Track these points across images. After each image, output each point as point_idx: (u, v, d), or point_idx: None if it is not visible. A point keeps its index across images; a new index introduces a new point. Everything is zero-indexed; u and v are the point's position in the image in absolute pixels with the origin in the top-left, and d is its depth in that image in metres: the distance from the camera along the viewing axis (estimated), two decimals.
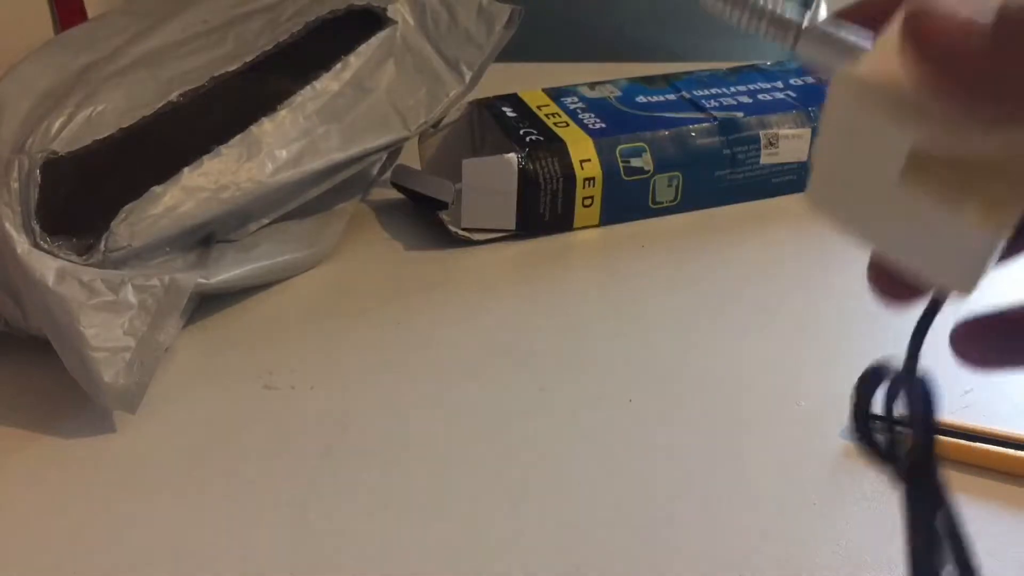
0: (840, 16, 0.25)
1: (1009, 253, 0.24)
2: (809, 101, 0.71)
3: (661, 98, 0.71)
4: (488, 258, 0.64)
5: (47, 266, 0.48)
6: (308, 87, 0.60)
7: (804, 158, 0.70)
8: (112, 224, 0.51)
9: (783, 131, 0.69)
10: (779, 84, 0.73)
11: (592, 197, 0.66)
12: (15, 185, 0.50)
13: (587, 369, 0.52)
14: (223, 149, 0.56)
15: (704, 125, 0.68)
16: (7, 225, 0.49)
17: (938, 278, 0.23)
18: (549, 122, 0.67)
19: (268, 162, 0.57)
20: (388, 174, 0.69)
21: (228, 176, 0.56)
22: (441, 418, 0.49)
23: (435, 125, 0.68)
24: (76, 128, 0.52)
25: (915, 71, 0.22)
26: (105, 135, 0.53)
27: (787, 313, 0.57)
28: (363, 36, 0.64)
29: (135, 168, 0.56)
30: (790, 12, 0.26)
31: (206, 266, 0.55)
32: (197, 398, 0.51)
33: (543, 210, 0.65)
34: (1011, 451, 0.45)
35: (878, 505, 0.42)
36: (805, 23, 0.25)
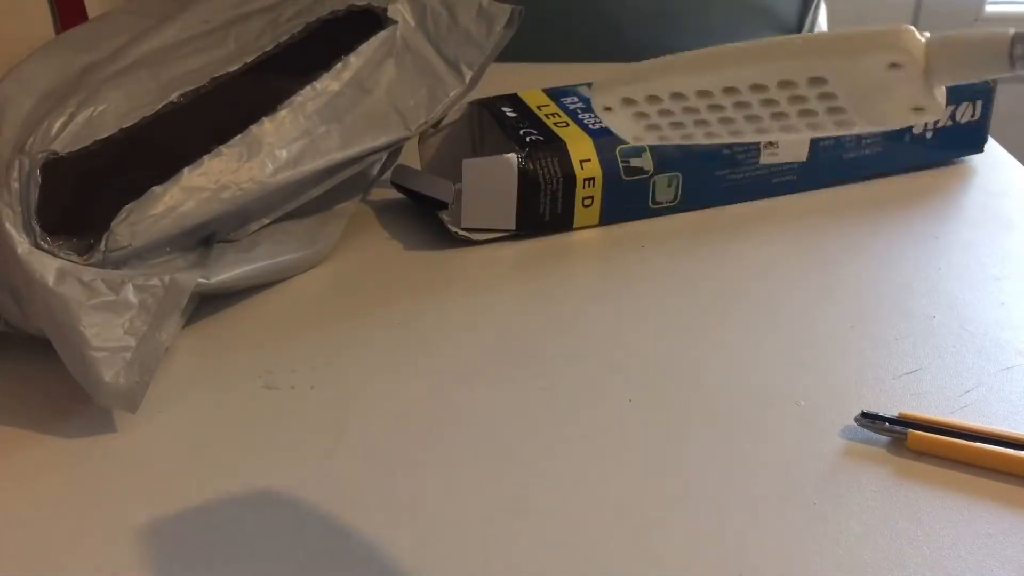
0: None
1: None
2: None
3: None
4: (488, 258, 0.64)
5: (47, 266, 0.48)
6: (308, 87, 0.60)
7: (804, 158, 0.70)
8: (112, 224, 0.51)
9: None
10: None
11: (592, 197, 0.66)
12: (16, 185, 0.50)
13: (587, 369, 0.53)
14: (223, 149, 0.56)
15: None
16: (7, 225, 0.49)
17: None
18: (549, 122, 0.67)
19: (268, 162, 0.57)
20: (388, 174, 0.69)
21: (228, 176, 0.56)
22: (441, 418, 0.49)
23: (435, 125, 0.68)
24: (77, 128, 0.52)
25: None
26: (105, 135, 0.53)
27: (787, 313, 0.57)
28: (363, 36, 0.64)
29: (135, 168, 0.56)
30: None
31: (206, 266, 0.55)
32: (197, 398, 0.51)
33: (543, 210, 0.65)
34: (1011, 451, 0.45)
35: (878, 505, 0.42)
36: None
